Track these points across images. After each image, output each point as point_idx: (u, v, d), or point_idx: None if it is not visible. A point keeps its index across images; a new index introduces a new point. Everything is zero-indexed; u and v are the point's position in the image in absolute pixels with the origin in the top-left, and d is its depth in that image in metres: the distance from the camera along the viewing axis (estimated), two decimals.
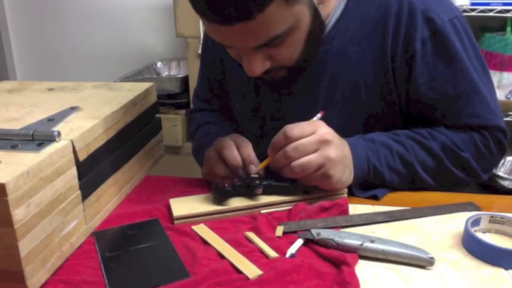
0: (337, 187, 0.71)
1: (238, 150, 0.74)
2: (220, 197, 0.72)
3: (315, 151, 0.67)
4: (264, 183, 0.73)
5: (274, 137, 0.70)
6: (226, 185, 0.72)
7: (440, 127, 0.78)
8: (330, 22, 0.78)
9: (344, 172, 0.70)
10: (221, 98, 1.01)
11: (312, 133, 0.68)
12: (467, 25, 0.78)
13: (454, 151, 0.75)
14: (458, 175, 0.77)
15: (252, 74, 0.71)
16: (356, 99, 0.79)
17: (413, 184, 0.77)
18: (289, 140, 0.67)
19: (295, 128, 0.68)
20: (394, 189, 0.77)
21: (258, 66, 0.70)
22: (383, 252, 0.59)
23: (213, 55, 0.97)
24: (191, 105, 1.88)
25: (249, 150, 0.74)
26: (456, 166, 0.76)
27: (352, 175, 0.72)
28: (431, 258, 0.57)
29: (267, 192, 0.73)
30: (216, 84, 1.00)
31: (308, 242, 0.62)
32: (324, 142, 0.67)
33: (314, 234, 0.61)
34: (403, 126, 0.80)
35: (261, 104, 0.89)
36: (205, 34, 0.98)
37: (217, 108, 1.03)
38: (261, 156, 0.74)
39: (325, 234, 0.61)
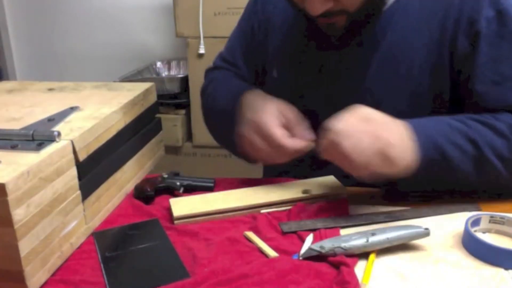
0: (400, 168, 0.65)
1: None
2: (143, 202, 0.74)
3: (365, 132, 0.63)
4: (185, 183, 0.77)
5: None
6: (148, 189, 0.75)
7: (500, 112, 0.72)
8: None
9: (398, 143, 0.65)
10: (249, 65, 0.96)
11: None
12: None
13: None
14: None
15: (314, 12, 0.70)
16: (409, 77, 0.77)
17: (480, 167, 0.69)
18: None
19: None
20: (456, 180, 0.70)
21: (320, 2, 0.69)
22: (388, 240, 0.59)
23: (259, 17, 0.93)
24: (191, 105, 1.90)
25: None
26: None
27: (413, 154, 0.66)
28: (426, 229, 0.60)
29: (188, 191, 0.76)
30: (251, 47, 0.95)
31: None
32: (371, 120, 0.64)
33: (318, 248, 0.59)
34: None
35: (303, 70, 0.84)
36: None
37: (241, 72, 0.96)
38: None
39: (329, 244, 0.59)
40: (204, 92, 0.97)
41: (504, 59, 0.73)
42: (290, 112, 0.73)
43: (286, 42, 0.87)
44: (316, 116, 0.76)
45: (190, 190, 0.78)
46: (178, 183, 0.77)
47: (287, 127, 0.72)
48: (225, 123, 0.82)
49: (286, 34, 0.88)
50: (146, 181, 0.79)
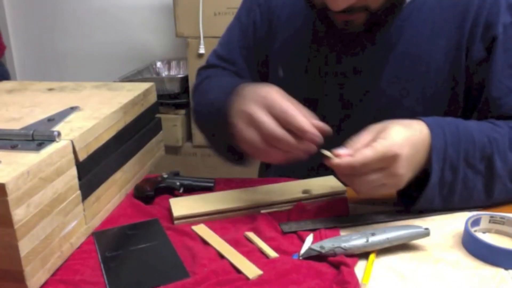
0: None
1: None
2: (143, 202, 0.74)
3: (379, 169, 0.61)
4: (185, 183, 0.77)
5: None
6: (148, 188, 0.75)
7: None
8: None
9: (412, 175, 0.64)
10: (249, 61, 0.91)
11: (378, 148, 0.60)
12: None
13: None
14: None
15: (336, 7, 0.66)
16: (425, 80, 0.76)
17: (491, 186, 0.68)
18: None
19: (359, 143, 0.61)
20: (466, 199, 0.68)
21: None
22: (388, 240, 0.59)
23: (262, 13, 0.89)
24: (191, 105, 1.90)
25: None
26: None
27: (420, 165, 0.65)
28: (426, 229, 0.60)
29: (188, 191, 0.76)
30: (252, 42, 0.90)
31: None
32: (391, 159, 0.60)
33: (318, 248, 0.59)
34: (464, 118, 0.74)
35: (313, 70, 0.80)
36: None
37: (237, 69, 0.91)
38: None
39: (329, 244, 0.59)
40: (195, 90, 0.92)
41: None
42: (285, 101, 0.62)
43: (293, 39, 0.84)
44: (328, 120, 0.69)
45: (190, 190, 0.78)
46: (178, 183, 0.77)
47: (281, 118, 0.61)
48: (214, 120, 0.74)
49: (293, 31, 0.84)
50: (146, 181, 0.79)
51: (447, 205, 0.68)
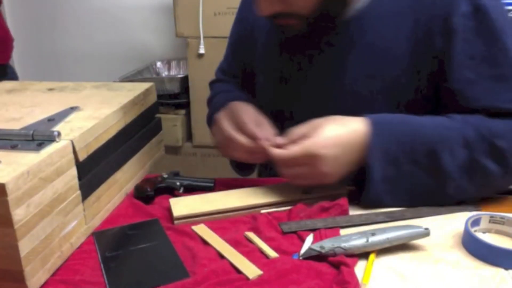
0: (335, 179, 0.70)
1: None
2: (143, 202, 0.74)
3: (304, 164, 0.68)
4: (185, 183, 0.77)
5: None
6: (148, 188, 0.76)
7: (476, 114, 0.71)
8: None
9: (345, 171, 0.69)
10: (244, 72, 1.00)
11: (304, 146, 0.67)
12: (504, 6, 0.74)
13: (489, 139, 0.68)
14: (491, 170, 0.68)
15: (261, 13, 0.71)
16: (386, 76, 0.77)
17: (440, 182, 0.69)
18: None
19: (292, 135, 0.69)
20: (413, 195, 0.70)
21: (267, 4, 0.70)
22: (388, 240, 0.59)
23: (243, 27, 0.96)
24: (191, 105, 1.90)
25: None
26: (490, 157, 0.68)
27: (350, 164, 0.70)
28: (426, 229, 0.60)
29: (188, 191, 0.77)
30: (243, 55, 0.98)
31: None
32: (313, 157, 0.66)
33: (318, 248, 0.59)
34: (434, 113, 0.75)
35: (284, 73, 0.86)
36: (241, 6, 0.99)
37: (239, 80, 1.01)
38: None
39: (329, 244, 0.59)
40: (208, 103, 1.02)
41: (481, 57, 0.71)
42: (245, 113, 0.75)
43: (267, 46, 0.89)
44: (301, 120, 0.78)
45: (190, 190, 0.78)
46: (178, 183, 0.77)
47: (239, 126, 0.75)
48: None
49: (268, 39, 0.89)
50: (146, 181, 0.79)
51: (400, 202, 0.71)
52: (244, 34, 0.96)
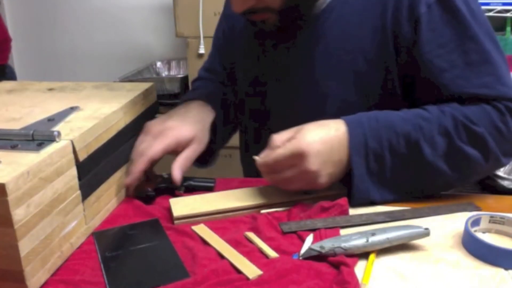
0: (327, 185, 0.70)
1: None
2: (144, 202, 0.74)
3: (291, 166, 0.67)
4: (185, 183, 0.77)
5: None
6: (149, 189, 0.76)
7: (450, 103, 0.72)
8: None
9: (333, 171, 0.69)
10: (226, 68, 1.01)
11: (288, 146, 0.67)
12: None
13: (466, 125, 0.69)
14: (472, 156, 0.69)
15: (237, 9, 0.73)
16: (355, 69, 0.77)
17: (423, 172, 0.70)
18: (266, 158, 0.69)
19: (273, 141, 0.69)
20: (400, 188, 0.72)
21: (240, 0, 0.72)
22: (388, 240, 0.59)
23: (227, 23, 0.99)
24: None
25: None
26: (470, 143, 0.69)
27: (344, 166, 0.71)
28: (426, 229, 0.60)
29: (188, 191, 0.77)
30: (226, 52, 1.00)
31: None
32: (299, 156, 0.66)
33: (318, 248, 0.59)
34: (407, 106, 0.76)
35: (257, 69, 0.88)
36: (226, 2, 1.00)
37: (221, 79, 1.02)
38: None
39: (329, 244, 0.59)
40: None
41: (450, 45, 0.72)
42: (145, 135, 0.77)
43: (245, 44, 0.91)
44: (277, 115, 0.84)
45: (191, 190, 0.78)
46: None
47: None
48: None
49: (244, 36, 0.91)
50: (146, 181, 0.79)
51: (387, 196, 0.71)
52: (228, 31, 0.98)
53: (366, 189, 0.70)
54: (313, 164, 0.66)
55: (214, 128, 0.89)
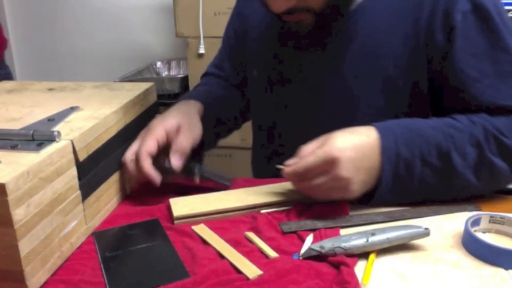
0: (359, 193, 0.68)
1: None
2: (163, 177, 0.74)
3: (323, 173, 0.65)
4: (205, 174, 0.76)
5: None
6: (167, 161, 0.73)
7: (479, 113, 0.71)
8: None
9: (365, 178, 0.67)
10: (235, 67, 1.01)
11: (319, 153, 0.64)
12: (501, 4, 0.74)
13: (497, 137, 0.68)
14: (501, 168, 0.68)
15: (277, 9, 0.71)
16: (385, 74, 0.77)
17: (451, 182, 0.69)
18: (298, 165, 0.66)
19: (303, 151, 0.67)
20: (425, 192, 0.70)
21: (283, 0, 0.70)
22: (388, 240, 0.59)
23: (240, 22, 0.98)
24: None
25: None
26: (500, 155, 0.68)
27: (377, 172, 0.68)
28: (426, 229, 0.60)
29: (202, 181, 0.77)
30: (236, 49, 1.00)
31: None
32: (331, 163, 0.64)
33: (318, 248, 0.59)
34: (434, 114, 0.76)
35: (280, 70, 0.86)
36: (238, 0, 1.00)
37: (227, 75, 1.02)
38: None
39: (329, 244, 0.59)
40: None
41: (483, 55, 0.71)
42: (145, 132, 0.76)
43: (263, 42, 0.89)
44: (295, 118, 0.82)
45: (205, 180, 0.76)
46: (196, 170, 0.76)
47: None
48: None
49: (263, 34, 0.89)
50: (164, 152, 0.76)
51: (407, 200, 0.71)
52: (239, 29, 0.98)
53: (388, 196, 0.69)
54: (346, 170, 0.63)
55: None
